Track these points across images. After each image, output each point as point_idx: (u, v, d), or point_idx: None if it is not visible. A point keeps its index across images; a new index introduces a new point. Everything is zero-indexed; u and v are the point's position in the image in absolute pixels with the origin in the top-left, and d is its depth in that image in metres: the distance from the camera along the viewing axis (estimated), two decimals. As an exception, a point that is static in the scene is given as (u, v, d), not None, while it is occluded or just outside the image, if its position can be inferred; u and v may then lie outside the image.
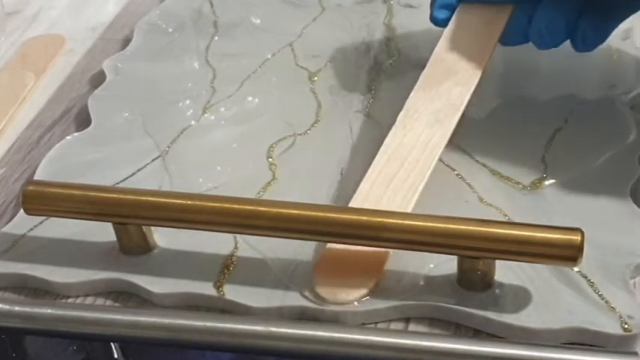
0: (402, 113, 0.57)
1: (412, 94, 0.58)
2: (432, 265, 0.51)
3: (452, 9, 0.62)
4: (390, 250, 0.51)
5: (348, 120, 0.63)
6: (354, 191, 0.56)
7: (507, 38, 0.61)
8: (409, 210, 0.51)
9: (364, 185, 0.53)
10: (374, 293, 0.50)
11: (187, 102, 0.66)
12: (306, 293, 0.50)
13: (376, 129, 0.62)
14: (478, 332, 0.49)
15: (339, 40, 0.72)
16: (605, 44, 0.67)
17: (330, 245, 0.51)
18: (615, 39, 0.68)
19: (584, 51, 0.60)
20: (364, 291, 0.50)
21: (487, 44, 0.59)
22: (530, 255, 0.47)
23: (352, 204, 0.52)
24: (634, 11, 0.60)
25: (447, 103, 0.56)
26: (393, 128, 0.56)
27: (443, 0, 0.62)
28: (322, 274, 0.51)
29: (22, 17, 0.81)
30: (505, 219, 0.54)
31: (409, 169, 0.53)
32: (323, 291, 0.50)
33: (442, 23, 0.62)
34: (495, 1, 0.61)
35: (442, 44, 0.60)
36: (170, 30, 0.75)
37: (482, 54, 0.59)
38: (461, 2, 0.62)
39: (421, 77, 0.59)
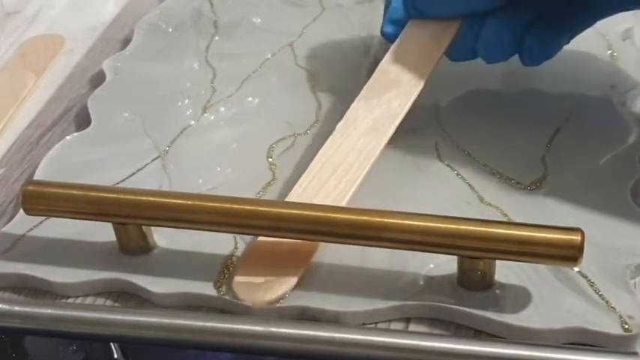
0: (341, 122, 0.57)
1: (354, 103, 0.59)
2: (432, 265, 0.51)
3: (402, 25, 0.62)
4: (321, 244, 0.51)
5: (348, 120, 0.63)
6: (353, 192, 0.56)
7: (456, 53, 0.62)
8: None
9: (297, 189, 0.54)
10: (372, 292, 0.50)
11: (187, 102, 0.66)
12: (224, 294, 0.50)
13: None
14: (478, 332, 0.49)
15: (339, 40, 0.72)
16: (605, 45, 0.68)
17: (260, 239, 0.52)
18: (615, 39, 0.68)
19: (530, 65, 0.61)
20: (284, 290, 0.50)
21: (431, 57, 0.60)
22: (531, 255, 0.47)
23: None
24: (583, 28, 0.61)
25: (386, 112, 0.57)
26: (331, 136, 0.57)
27: (392, 15, 0.62)
28: (245, 271, 0.51)
29: (22, 17, 0.81)
30: (505, 219, 0.54)
31: (341, 175, 0.54)
32: (240, 290, 0.50)
33: (391, 38, 0.62)
34: (442, 17, 0.61)
35: (388, 56, 0.61)
36: (170, 30, 0.75)
37: (426, 67, 0.60)
38: (410, 18, 0.62)
39: (364, 87, 0.60)
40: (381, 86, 0.59)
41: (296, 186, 0.54)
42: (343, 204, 0.52)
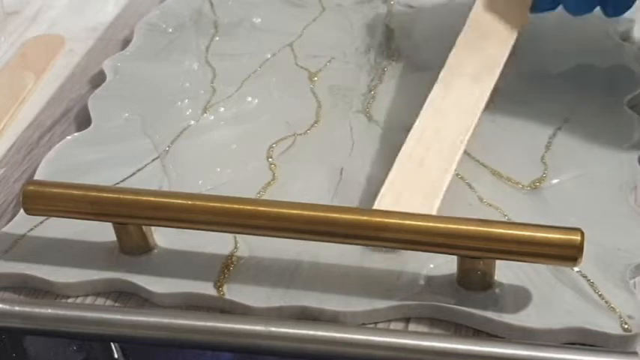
0: (443, 70, 0.59)
1: (452, 52, 0.61)
2: (432, 265, 0.51)
3: None
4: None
5: (348, 120, 0.63)
6: (353, 192, 0.57)
7: (540, 3, 0.63)
8: (456, 161, 0.54)
9: (409, 143, 0.55)
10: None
11: (187, 102, 0.66)
12: None
13: (376, 129, 0.62)
14: (478, 332, 0.49)
15: (339, 40, 0.72)
16: (605, 45, 0.68)
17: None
18: (615, 39, 0.68)
19: (613, 16, 0.63)
20: None
21: (522, 5, 0.63)
22: (530, 255, 0.47)
23: (403, 150, 0.54)
24: None
25: (486, 60, 0.59)
26: (436, 84, 0.58)
27: None
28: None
29: (22, 17, 0.81)
30: (505, 219, 0.54)
31: (454, 122, 0.56)
32: None
33: None
34: None
35: (477, 9, 0.63)
36: (170, 30, 0.75)
37: (517, 16, 0.62)
38: None
39: (459, 39, 0.61)
40: (476, 36, 0.61)
41: (408, 139, 0.55)
42: (460, 152, 0.54)
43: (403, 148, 0.55)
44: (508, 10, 0.62)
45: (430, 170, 0.53)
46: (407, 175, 0.53)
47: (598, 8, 0.63)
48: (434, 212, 0.51)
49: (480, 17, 0.62)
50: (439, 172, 0.53)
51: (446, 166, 0.53)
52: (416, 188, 0.53)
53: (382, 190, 0.53)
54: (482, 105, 0.56)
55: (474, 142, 0.60)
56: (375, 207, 0.52)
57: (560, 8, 0.64)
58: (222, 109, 0.66)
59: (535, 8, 0.63)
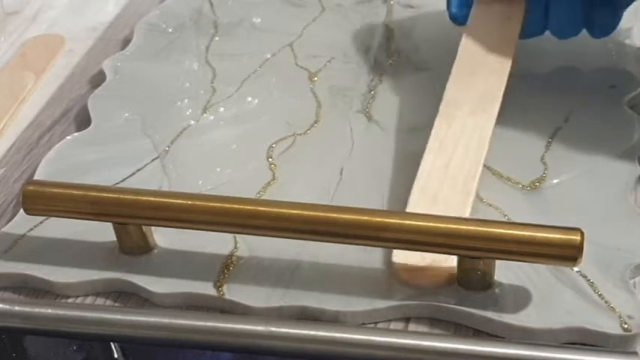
0: (442, 104, 0.59)
1: (448, 85, 0.60)
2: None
3: (468, 5, 0.64)
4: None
5: (348, 120, 0.63)
6: (353, 192, 0.57)
7: (526, 31, 0.63)
8: (472, 195, 0.53)
9: (420, 178, 0.54)
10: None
11: (187, 102, 0.66)
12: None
13: (376, 129, 0.62)
14: (478, 332, 0.49)
15: (339, 40, 0.72)
16: (604, 45, 0.68)
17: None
18: (615, 39, 0.68)
19: (601, 37, 0.63)
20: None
21: (511, 35, 0.62)
22: (530, 255, 0.47)
23: (415, 185, 0.53)
24: None
25: (484, 92, 0.59)
26: (437, 119, 0.57)
27: None
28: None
29: (22, 17, 0.81)
30: (505, 219, 0.54)
31: (463, 155, 0.55)
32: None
33: (460, 20, 0.64)
34: None
35: (466, 40, 0.62)
36: (170, 30, 0.75)
37: (509, 45, 0.62)
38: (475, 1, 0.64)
39: (453, 72, 0.61)
40: (470, 68, 0.61)
41: (419, 172, 0.54)
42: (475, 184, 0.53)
43: (416, 184, 0.54)
44: (496, 41, 0.62)
45: (447, 205, 0.53)
46: (423, 210, 0.52)
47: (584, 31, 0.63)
48: None
49: (469, 50, 0.62)
50: (457, 207, 0.52)
51: (463, 200, 0.53)
52: None
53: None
54: (487, 139, 0.56)
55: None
56: None
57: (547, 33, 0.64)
58: (222, 109, 0.66)
59: (523, 34, 0.63)
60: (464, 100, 0.58)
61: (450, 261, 0.49)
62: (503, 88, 0.59)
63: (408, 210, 0.52)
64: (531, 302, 0.49)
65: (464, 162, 0.54)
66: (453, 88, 0.59)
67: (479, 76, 0.60)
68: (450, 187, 0.53)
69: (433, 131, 0.57)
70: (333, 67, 0.69)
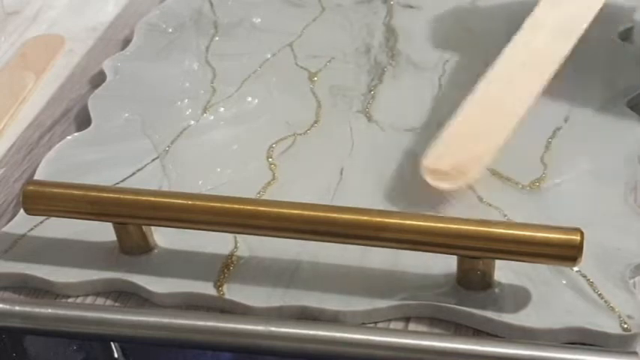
0: (527, 20, 0.61)
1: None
2: (432, 265, 0.51)
3: None
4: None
5: (348, 120, 0.63)
6: (353, 192, 0.57)
7: None
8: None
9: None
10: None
11: (187, 102, 0.66)
12: None
13: (376, 129, 0.62)
14: (478, 332, 0.49)
15: (339, 40, 0.72)
16: (605, 45, 0.68)
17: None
18: (615, 39, 0.68)
19: None
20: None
21: None
22: (530, 255, 0.47)
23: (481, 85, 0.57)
24: None
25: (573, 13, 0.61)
26: (517, 34, 0.60)
27: None
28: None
29: (22, 17, 0.81)
30: (505, 219, 0.54)
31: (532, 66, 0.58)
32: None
33: None
34: None
35: None
36: (170, 30, 0.75)
37: None
38: None
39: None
40: None
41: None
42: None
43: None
44: None
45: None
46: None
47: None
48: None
49: None
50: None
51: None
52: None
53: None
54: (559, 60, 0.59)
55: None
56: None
57: None
58: (222, 109, 0.66)
59: None
60: (547, 20, 0.61)
61: (474, 172, 0.53)
62: (589, 18, 0.61)
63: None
64: (531, 302, 0.49)
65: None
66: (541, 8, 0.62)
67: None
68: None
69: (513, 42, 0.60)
70: (333, 67, 0.69)
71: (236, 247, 0.53)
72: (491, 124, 0.57)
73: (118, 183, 0.59)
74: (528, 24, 0.61)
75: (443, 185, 0.54)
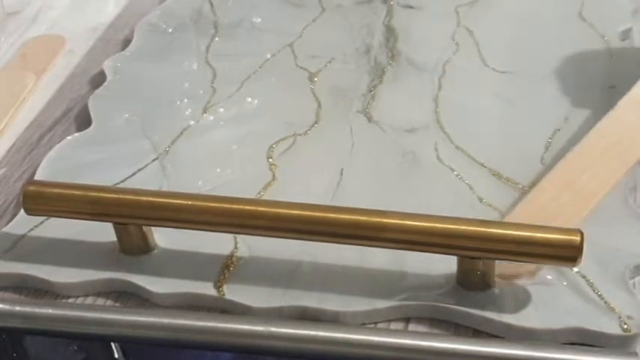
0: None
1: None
2: (432, 265, 0.51)
3: None
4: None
5: (348, 120, 0.63)
6: (353, 192, 0.57)
7: None
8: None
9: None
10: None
11: (187, 102, 0.66)
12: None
13: (376, 129, 0.62)
14: (478, 332, 0.49)
15: (339, 40, 0.72)
16: (605, 45, 0.68)
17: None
18: (615, 39, 0.68)
19: None
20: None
21: None
22: (530, 255, 0.47)
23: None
24: None
25: None
26: (613, 110, 0.58)
27: None
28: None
29: (23, 17, 0.81)
30: (505, 219, 0.54)
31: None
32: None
33: None
34: None
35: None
36: (170, 30, 0.75)
37: None
38: None
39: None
40: None
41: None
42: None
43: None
44: None
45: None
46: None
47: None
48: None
49: None
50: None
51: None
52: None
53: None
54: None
55: (474, 142, 0.60)
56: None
57: None
58: (222, 109, 0.66)
59: None
60: None
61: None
62: None
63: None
64: (531, 302, 0.49)
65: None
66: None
67: None
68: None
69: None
70: (333, 67, 0.69)
71: (236, 247, 0.53)
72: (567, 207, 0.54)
73: (118, 183, 0.59)
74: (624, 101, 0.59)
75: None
